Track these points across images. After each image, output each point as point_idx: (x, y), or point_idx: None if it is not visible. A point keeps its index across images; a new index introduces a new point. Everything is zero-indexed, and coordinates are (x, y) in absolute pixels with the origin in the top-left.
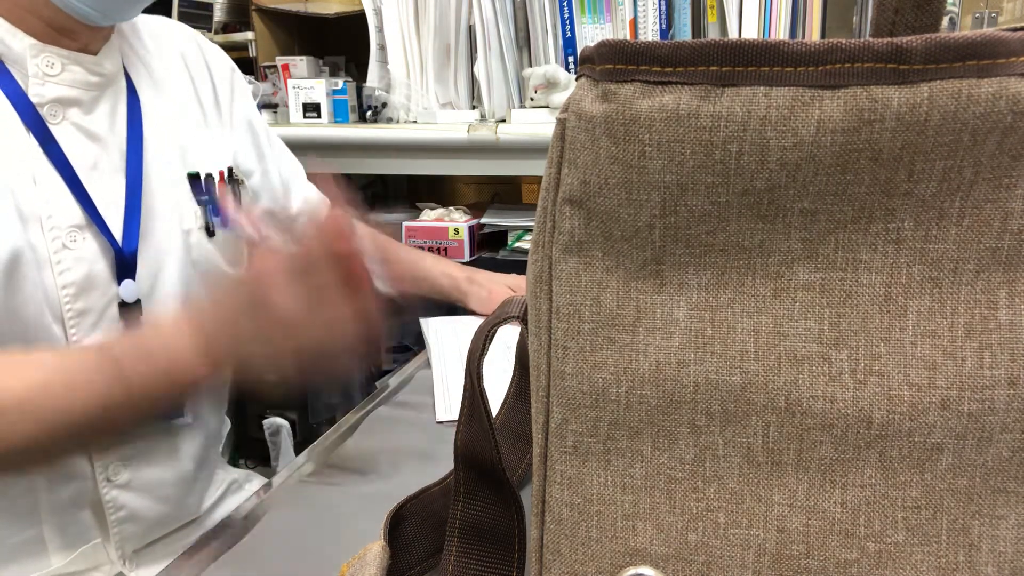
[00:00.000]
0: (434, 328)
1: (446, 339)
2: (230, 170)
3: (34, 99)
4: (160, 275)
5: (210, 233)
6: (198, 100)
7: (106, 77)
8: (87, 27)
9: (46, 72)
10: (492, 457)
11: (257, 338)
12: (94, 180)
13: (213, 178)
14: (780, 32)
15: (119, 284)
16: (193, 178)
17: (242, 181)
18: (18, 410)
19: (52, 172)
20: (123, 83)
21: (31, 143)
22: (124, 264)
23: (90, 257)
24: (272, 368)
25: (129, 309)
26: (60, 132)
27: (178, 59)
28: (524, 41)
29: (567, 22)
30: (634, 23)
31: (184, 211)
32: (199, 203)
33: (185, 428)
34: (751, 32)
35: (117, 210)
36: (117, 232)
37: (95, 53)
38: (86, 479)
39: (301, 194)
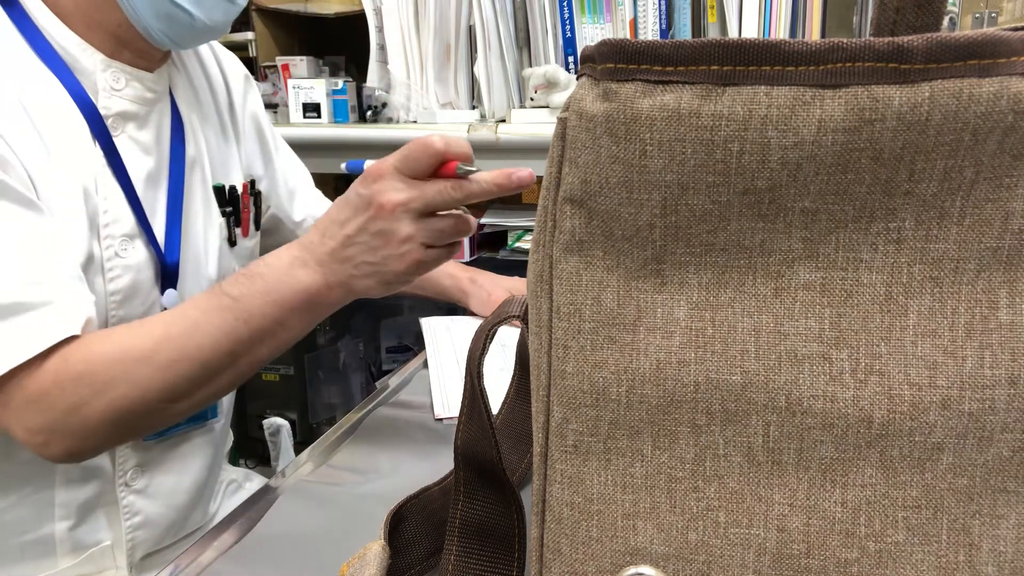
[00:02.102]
0: (431, 327)
1: (441, 337)
2: (252, 182)
3: (102, 111)
4: (197, 286)
5: (232, 244)
6: (217, 111)
7: (158, 94)
8: (154, 49)
9: (113, 86)
10: (492, 457)
11: (370, 253)
12: (145, 192)
13: (237, 190)
14: (780, 32)
15: (162, 293)
16: (217, 190)
17: (260, 192)
18: (145, 363)
19: (112, 182)
20: (168, 100)
21: (97, 152)
22: (167, 274)
23: (137, 266)
24: (383, 284)
25: None
26: (120, 144)
27: (199, 69)
28: (524, 41)
29: (567, 22)
30: (634, 23)
31: (212, 223)
32: (223, 215)
33: (200, 436)
34: (751, 32)
35: (161, 222)
36: (161, 243)
37: (152, 71)
38: (105, 482)
39: (306, 202)
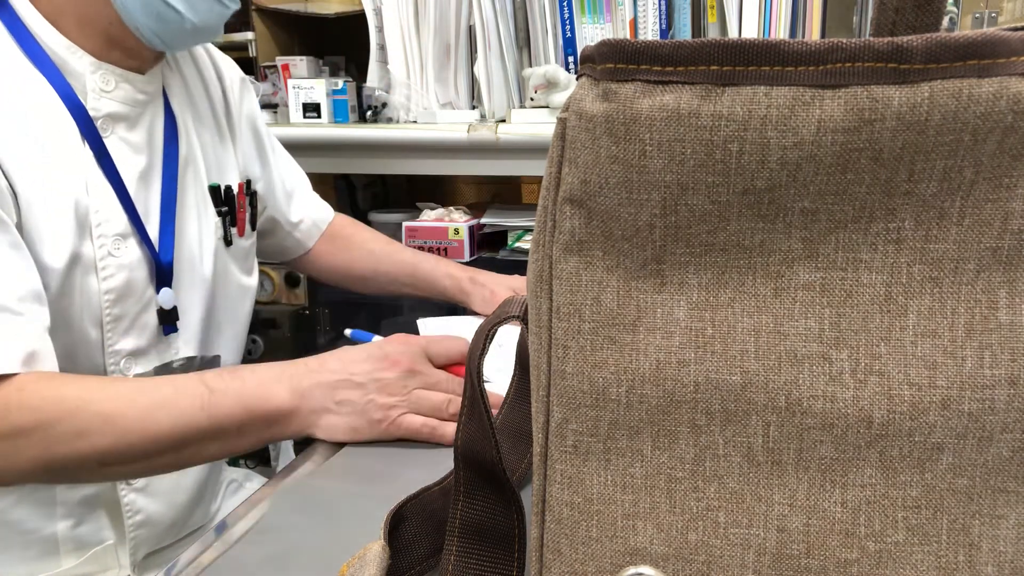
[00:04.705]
0: (427, 328)
1: None
2: (248, 182)
3: (91, 112)
4: (192, 284)
5: (227, 243)
6: (212, 112)
7: (150, 96)
8: (145, 49)
9: (102, 88)
10: (492, 457)
11: (358, 392)
12: (137, 192)
13: (232, 190)
14: (780, 32)
15: (157, 292)
16: (213, 190)
17: (256, 192)
18: (101, 421)
19: (104, 182)
20: (161, 101)
21: (87, 153)
22: (161, 272)
23: (131, 265)
24: (350, 429)
25: (167, 315)
26: (110, 145)
27: (194, 71)
28: (524, 41)
29: (567, 22)
30: (634, 23)
31: (207, 223)
32: (219, 214)
33: None
34: (751, 32)
35: (154, 222)
36: (155, 243)
37: (143, 73)
38: None
39: (303, 205)
